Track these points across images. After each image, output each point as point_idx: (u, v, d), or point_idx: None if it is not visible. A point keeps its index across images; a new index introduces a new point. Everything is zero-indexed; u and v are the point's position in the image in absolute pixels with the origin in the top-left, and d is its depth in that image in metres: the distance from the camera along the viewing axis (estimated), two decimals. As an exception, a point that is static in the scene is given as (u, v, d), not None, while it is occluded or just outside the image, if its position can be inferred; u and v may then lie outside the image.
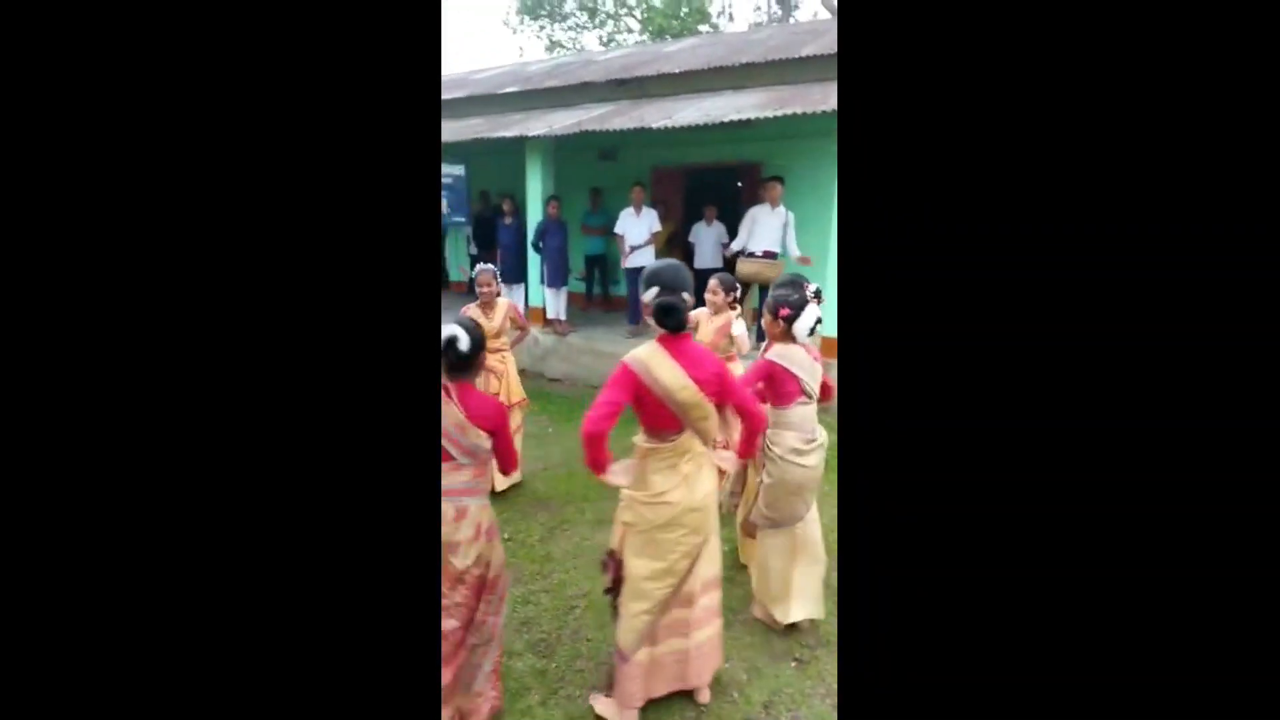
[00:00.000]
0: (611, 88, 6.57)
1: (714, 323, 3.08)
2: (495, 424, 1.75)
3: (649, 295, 1.77)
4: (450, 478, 1.70)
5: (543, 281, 5.88)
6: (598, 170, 6.92)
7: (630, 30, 17.08)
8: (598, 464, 1.70)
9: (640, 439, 1.82)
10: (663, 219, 6.03)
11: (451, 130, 6.46)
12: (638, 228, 5.72)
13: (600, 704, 1.98)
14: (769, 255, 5.08)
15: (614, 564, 1.91)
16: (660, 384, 1.68)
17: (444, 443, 1.67)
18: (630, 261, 5.77)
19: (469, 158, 6.18)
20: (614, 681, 1.96)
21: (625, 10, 17.25)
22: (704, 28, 15.62)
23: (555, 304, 5.94)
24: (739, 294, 3.16)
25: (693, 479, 1.79)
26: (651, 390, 1.69)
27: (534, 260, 5.96)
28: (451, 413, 1.68)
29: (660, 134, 6.26)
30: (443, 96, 7.70)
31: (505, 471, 1.89)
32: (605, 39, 17.11)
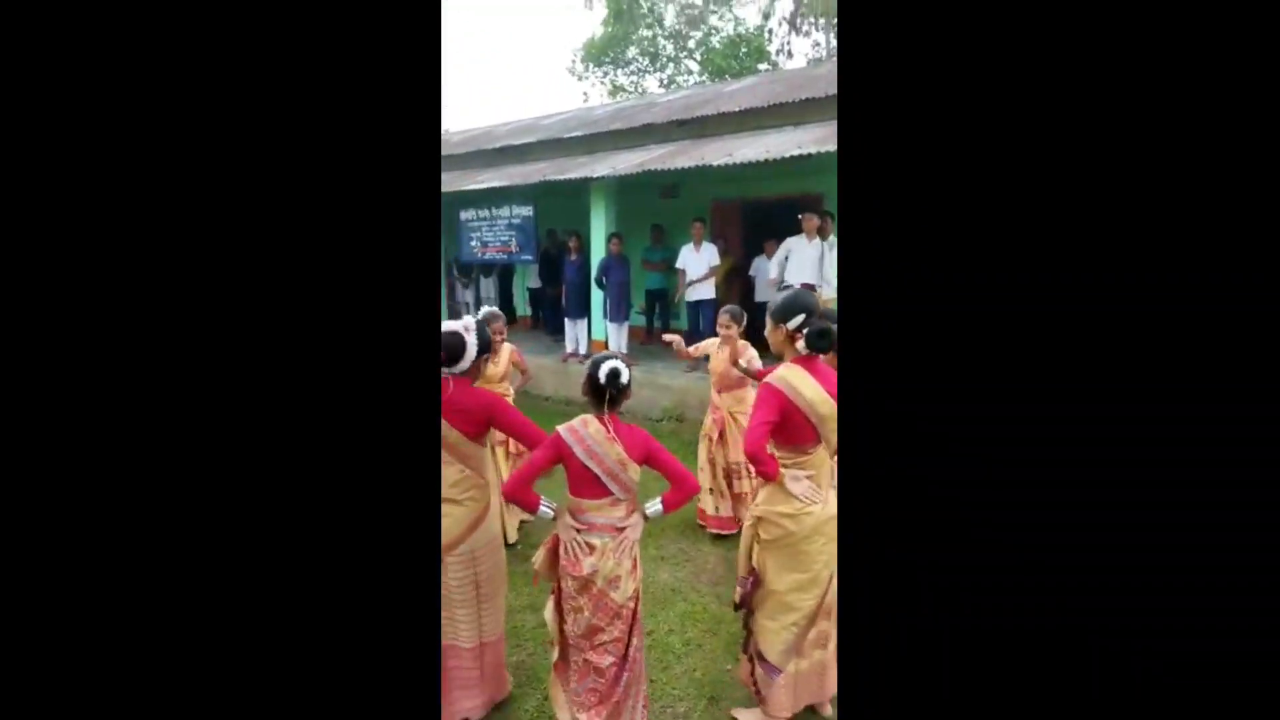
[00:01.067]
0: (673, 128, 6.77)
1: (723, 353, 3.23)
2: (646, 451, 1.79)
3: (794, 323, 1.84)
4: (609, 513, 1.75)
5: (605, 316, 6.03)
6: (660, 207, 7.09)
7: (690, 72, 17.59)
8: (768, 475, 1.83)
9: (777, 454, 1.89)
10: (723, 254, 6.10)
11: (520, 173, 6.82)
12: (697, 262, 5.81)
13: (744, 715, 2.07)
14: (807, 288, 5.02)
15: (753, 582, 1.97)
16: (805, 399, 1.80)
17: (605, 479, 1.73)
18: (690, 295, 5.84)
19: (537, 199, 6.49)
20: (760, 697, 2.00)
21: (685, 54, 17.81)
22: (763, 66, 15.89)
23: (617, 338, 6.07)
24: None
25: (825, 488, 1.89)
26: (797, 406, 1.80)
27: (597, 295, 6.13)
28: (614, 450, 1.72)
29: (721, 170, 6.36)
30: (513, 142, 8.20)
31: (688, 494, 1.83)
32: (666, 81, 17.68)
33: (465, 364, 1.88)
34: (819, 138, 5.05)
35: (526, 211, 6.46)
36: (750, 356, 3.19)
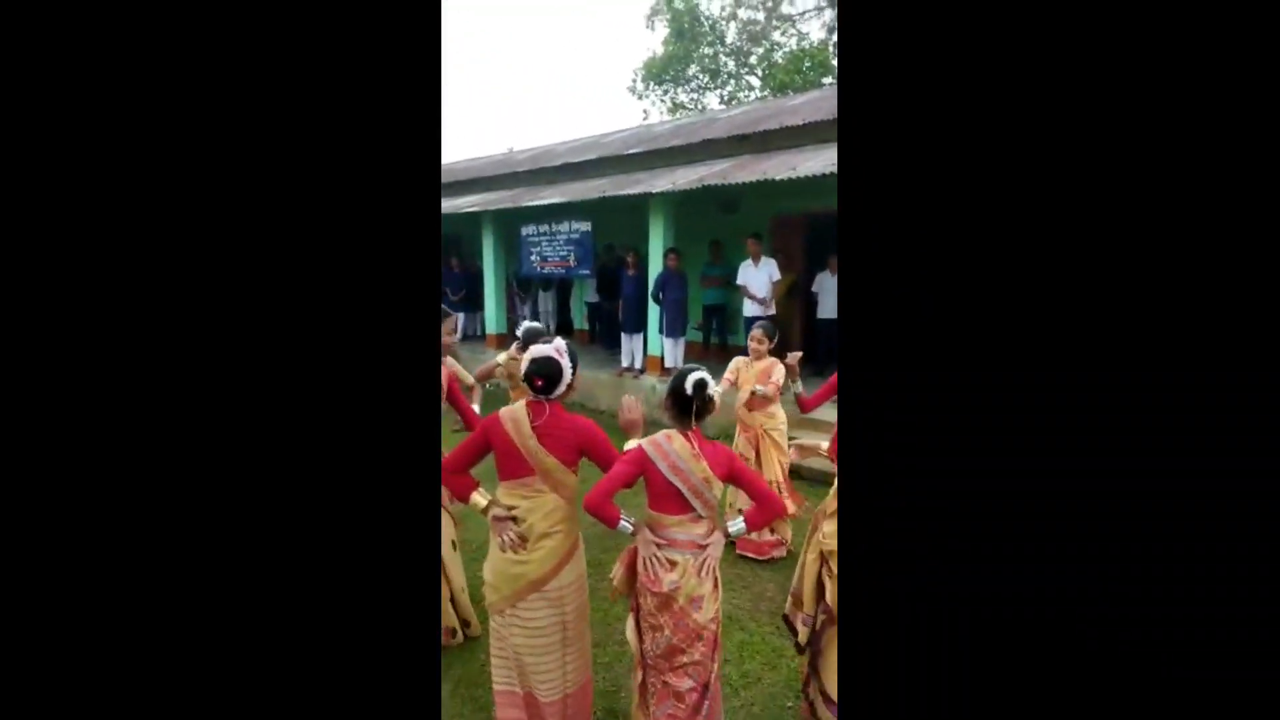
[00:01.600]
0: (734, 143, 6.70)
1: (754, 368, 3.30)
2: (730, 469, 1.74)
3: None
4: (690, 529, 1.70)
5: (661, 331, 5.98)
6: (719, 222, 7.02)
7: (751, 88, 17.53)
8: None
9: None
10: (783, 269, 5.95)
11: (580, 190, 6.91)
12: (758, 278, 5.68)
13: None
14: None
15: (825, 620, 1.92)
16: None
17: (688, 495, 1.68)
18: (747, 310, 5.73)
19: (596, 215, 6.56)
20: None
21: (746, 70, 17.78)
22: (826, 80, 15.64)
23: (673, 353, 6.00)
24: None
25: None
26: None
27: (653, 310, 6.10)
28: (700, 467, 1.68)
29: (782, 184, 6.22)
30: (573, 159, 8.36)
31: (773, 514, 1.80)
32: (727, 98, 17.68)
33: (562, 387, 1.82)
34: (887, 149, 4.86)
35: (585, 227, 6.53)
36: (778, 376, 3.21)
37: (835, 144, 5.86)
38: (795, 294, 6.53)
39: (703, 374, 1.75)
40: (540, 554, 1.75)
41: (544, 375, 1.77)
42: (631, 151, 7.58)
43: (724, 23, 17.53)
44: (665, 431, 1.74)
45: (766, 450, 3.31)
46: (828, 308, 5.86)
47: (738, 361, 3.42)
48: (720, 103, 17.61)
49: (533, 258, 7.20)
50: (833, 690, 1.87)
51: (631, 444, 1.77)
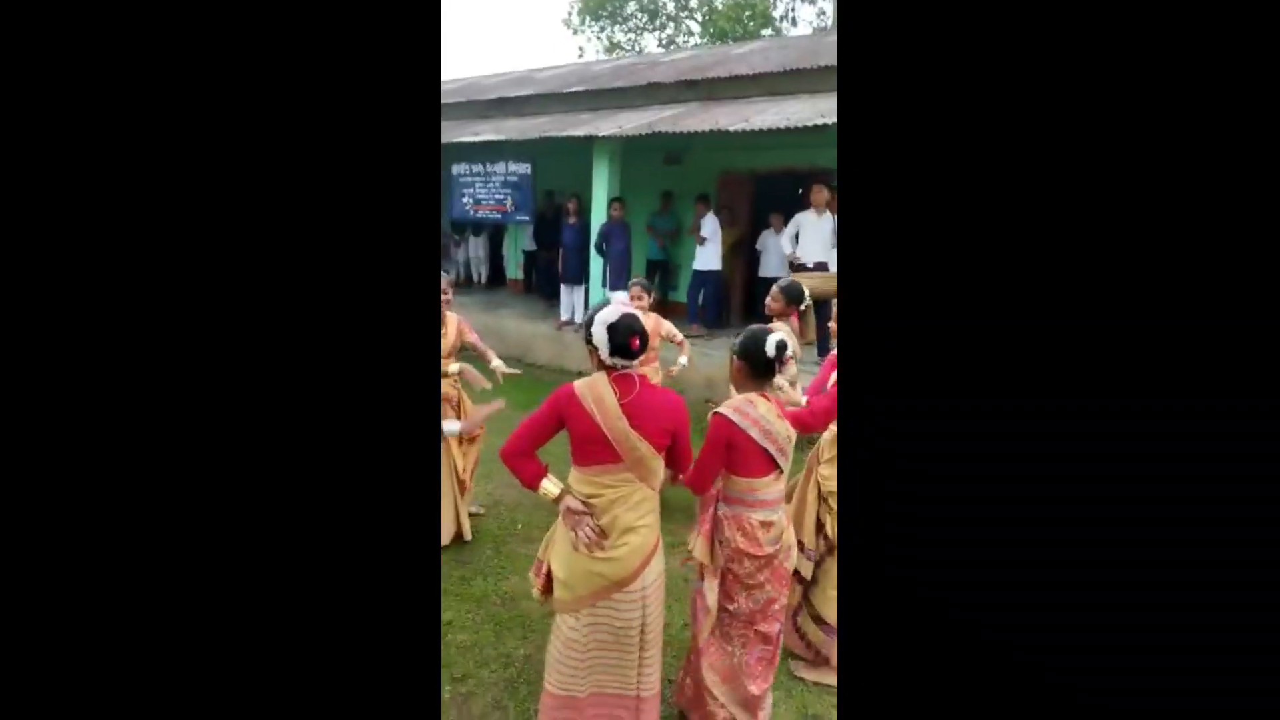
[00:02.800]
0: (680, 89, 6.44)
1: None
2: (795, 422, 1.77)
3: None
4: (775, 487, 1.71)
5: (604, 284, 5.79)
6: (663, 174, 6.79)
7: (690, 33, 16.96)
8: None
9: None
10: (726, 225, 5.87)
11: (518, 128, 6.45)
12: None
13: (810, 673, 2.11)
14: (820, 267, 4.78)
15: (827, 550, 2.05)
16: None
17: (776, 455, 1.66)
18: (699, 263, 5.65)
19: (535, 156, 6.14)
20: (820, 656, 2.09)
21: (686, 13, 17.14)
22: (766, 32, 15.35)
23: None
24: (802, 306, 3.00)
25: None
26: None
27: (596, 262, 5.87)
28: (784, 425, 1.69)
29: (731, 138, 6.06)
30: (508, 94, 7.78)
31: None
32: (665, 42, 17.03)
33: (645, 351, 1.57)
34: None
35: (524, 169, 6.13)
36: (670, 328, 3.23)
37: (786, 98, 5.75)
38: (739, 252, 6.49)
39: (781, 334, 1.70)
40: (624, 550, 1.54)
41: (637, 334, 1.51)
42: (572, 89, 7.13)
43: (665, -42, 16.71)
44: (744, 396, 1.68)
45: None
46: (770, 266, 5.87)
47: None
48: (659, 45, 16.94)
49: (464, 200, 6.71)
50: (829, 615, 2.03)
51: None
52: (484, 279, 8.79)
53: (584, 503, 1.55)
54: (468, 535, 2.94)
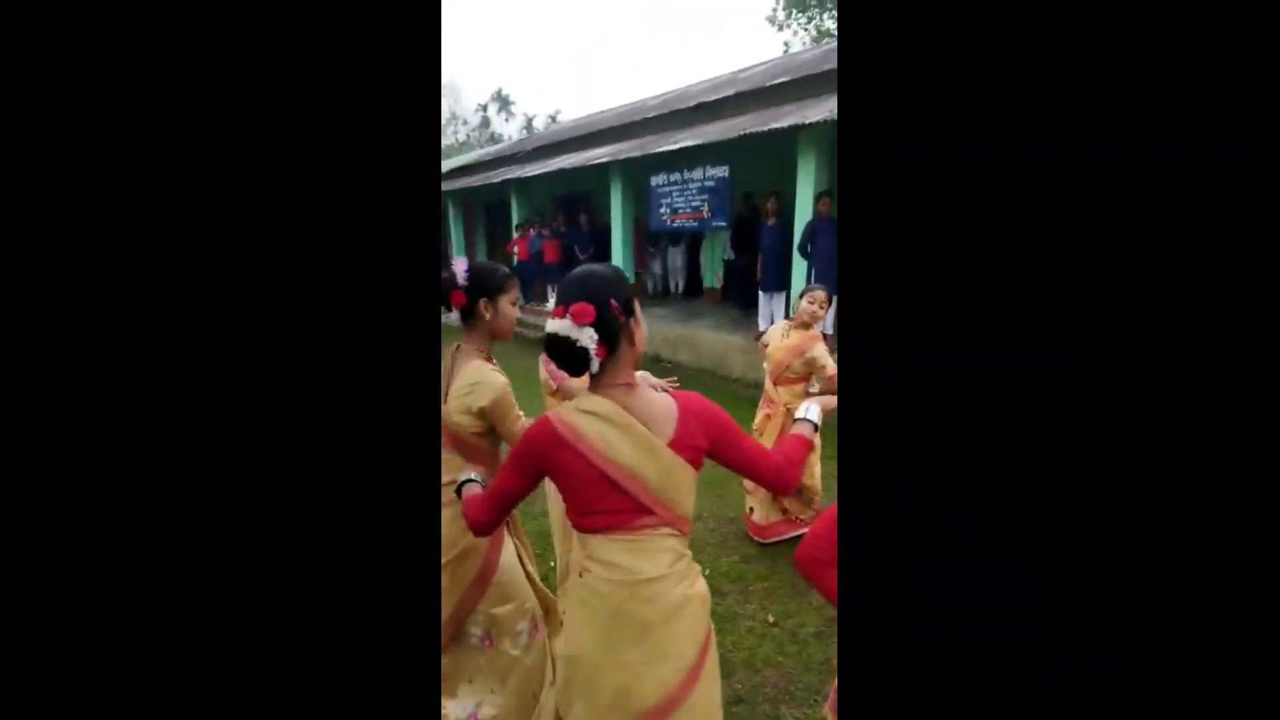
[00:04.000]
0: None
1: (790, 339, 2.66)
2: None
3: None
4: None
5: (808, 289, 5.20)
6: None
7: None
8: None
9: None
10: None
11: (714, 130, 6.18)
12: None
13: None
14: None
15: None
16: None
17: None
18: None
19: (733, 159, 5.80)
20: None
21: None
22: None
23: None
24: None
25: None
26: None
27: (799, 265, 5.31)
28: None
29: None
30: (707, 98, 7.58)
31: None
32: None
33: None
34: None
35: (721, 172, 5.82)
36: (820, 353, 2.58)
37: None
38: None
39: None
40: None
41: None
42: (774, 82, 6.64)
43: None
44: None
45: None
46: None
47: (776, 328, 2.82)
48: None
49: (662, 210, 6.65)
50: None
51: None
52: (681, 289, 8.72)
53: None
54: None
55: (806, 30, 16.76)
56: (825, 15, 16.33)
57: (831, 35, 15.80)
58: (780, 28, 17.04)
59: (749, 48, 29.99)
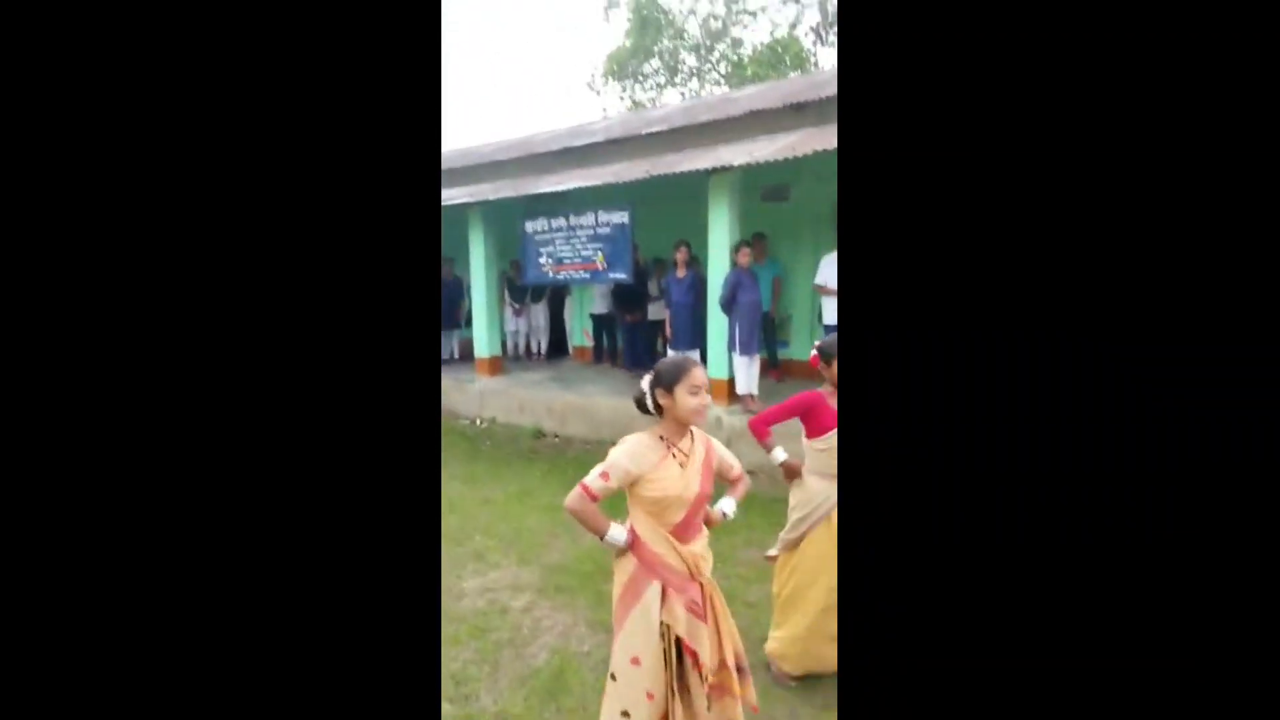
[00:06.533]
0: (789, 115, 5.54)
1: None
2: None
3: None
4: None
5: (734, 347, 4.68)
6: (765, 212, 5.83)
7: (719, 83, 16.64)
8: None
9: None
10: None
11: (613, 172, 5.53)
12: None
13: None
14: None
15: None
16: None
17: None
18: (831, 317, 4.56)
19: (632, 204, 5.18)
20: None
21: (709, 66, 16.90)
22: (794, 75, 14.96)
23: (746, 374, 4.71)
24: None
25: None
26: None
27: (717, 320, 4.79)
28: None
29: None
30: (573, 143, 6.97)
31: None
32: (690, 96, 16.70)
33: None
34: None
35: (619, 218, 5.14)
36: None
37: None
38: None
39: None
40: None
41: None
42: (680, 125, 6.24)
43: (684, 16, 16.57)
44: None
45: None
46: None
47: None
48: (683, 100, 16.60)
49: (541, 259, 5.73)
50: None
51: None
52: (543, 350, 7.75)
53: None
54: None
55: (621, 99, 17.45)
56: (637, 85, 17.21)
57: (642, 106, 16.61)
58: (598, 93, 17.51)
59: (567, 111, 30.70)
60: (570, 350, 7.85)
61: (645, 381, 1.64)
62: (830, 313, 4.80)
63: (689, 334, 5.03)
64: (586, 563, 3.22)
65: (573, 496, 1.58)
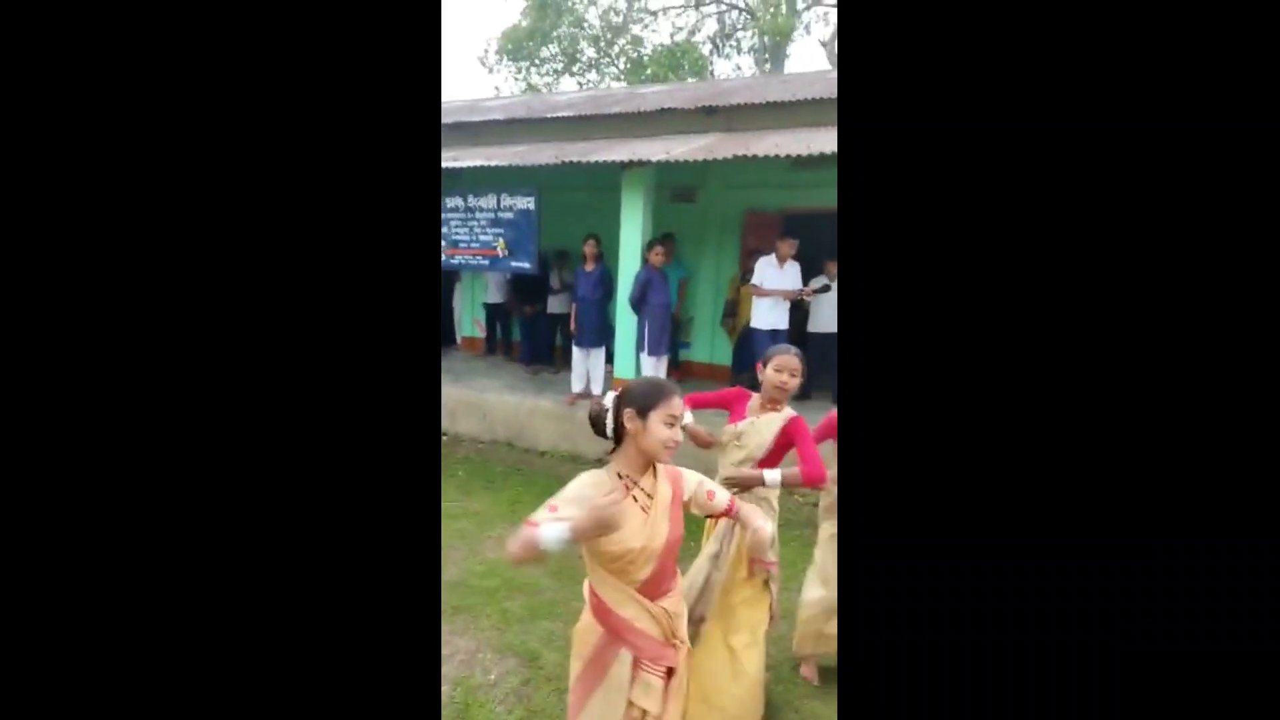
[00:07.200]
0: (699, 117, 5.55)
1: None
2: None
3: None
4: None
5: (642, 348, 4.58)
6: (672, 213, 5.80)
7: (619, 78, 16.51)
8: None
9: None
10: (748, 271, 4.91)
11: (518, 153, 5.17)
12: (782, 282, 4.62)
13: None
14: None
15: None
16: None
17: None
18: (763, 321, 4.62)
19: (539, 190, 4.88)
20: None
21: (607, 60, 16.72)
22: (691, 80, 15.26)
23: (655, 374, 4.63)
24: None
25: None
26: None
27: (626, 320, 4.66)
28: None
29: (753, 177, 5.20)
30: (471, 120, 6.49)
31: None
32: (587, 86, 16.42)
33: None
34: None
35: (525, 203, 4.83)
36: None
37: (821, 129, 5.04)
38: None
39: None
40: None
41: None
42: (583, 115, 5.97)
43: (584, 5, 16.23)
44: None
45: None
46: (822, 320, 4.99)
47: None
48: (580, 89, 16.28)
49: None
50: None
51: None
52: (431, 339, 7.16)
53: None
54: None
55: (516, 80, 16.73)
56: (533, 69, 16.59)
57: (536, 89, 16.06)
58: (490, 70, 16.65)
59: (459, 86, 28.66)
60: (458, 340, 7.33)
61: (609, 399, 1.34)
62: (761, 316, 4.76)
63: (595, 330, 4.85)
64: (489, 578, 2.94)
65: (513, 541, 1.19)
